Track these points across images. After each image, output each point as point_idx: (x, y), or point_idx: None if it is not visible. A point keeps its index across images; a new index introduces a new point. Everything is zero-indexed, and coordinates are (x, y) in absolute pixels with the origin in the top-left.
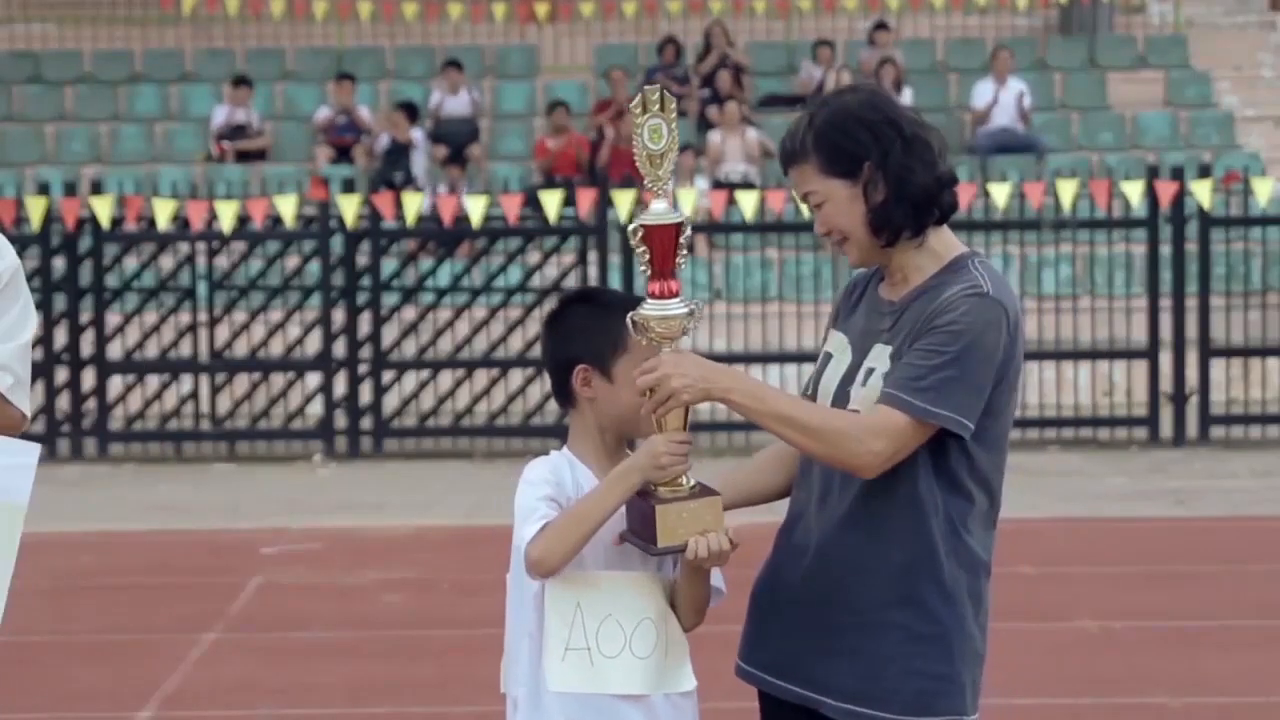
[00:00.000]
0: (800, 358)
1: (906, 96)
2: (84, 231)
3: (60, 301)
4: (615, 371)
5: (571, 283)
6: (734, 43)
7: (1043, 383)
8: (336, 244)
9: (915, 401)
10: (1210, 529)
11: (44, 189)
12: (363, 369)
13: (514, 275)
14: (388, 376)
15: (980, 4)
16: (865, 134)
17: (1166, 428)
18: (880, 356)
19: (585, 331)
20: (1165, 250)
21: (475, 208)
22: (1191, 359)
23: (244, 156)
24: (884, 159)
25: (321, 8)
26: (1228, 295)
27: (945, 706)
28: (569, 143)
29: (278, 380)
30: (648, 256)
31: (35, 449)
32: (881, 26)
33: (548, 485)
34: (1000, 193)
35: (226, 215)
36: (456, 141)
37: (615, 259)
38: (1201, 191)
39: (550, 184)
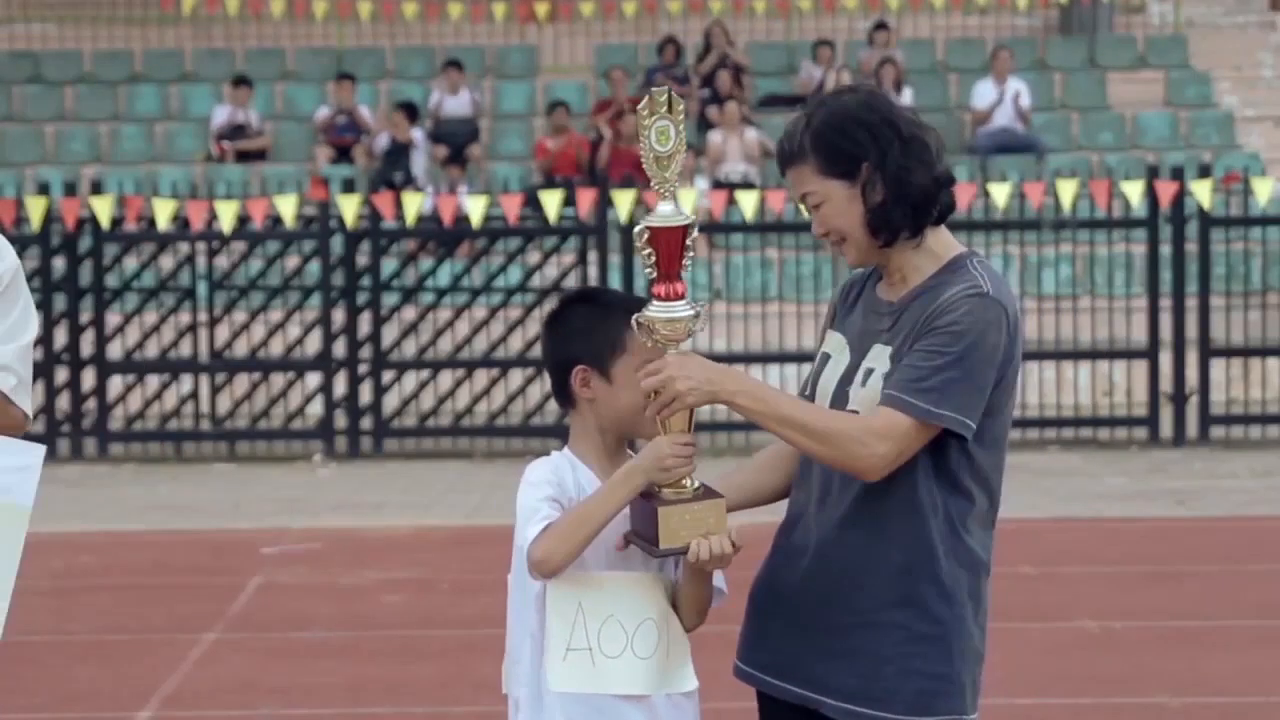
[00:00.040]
0: (800, 358)
1: (906, 96)
2: (84, 231)
3: (60, 301)
4: (614, 372)
5: (571, 283)
6: (734, 43)
7: (1043, 383)
8: (336, 244)
9: (918, 403)
10: (1210, 529)
11: (44, 189)
12: (363, 369)
13: (514, 275)
14: (388, 376)
15: (980, 4)
16: (863, 134)
17: (1166, 428)
18: (880, 357)
19: (585, 332)
20: (1165, 250)
21: (475, 208)
22: (1191, 359)
23: (244, 156)
24: (882, 160)
25: (321, 8)
26: (1228, 295)
27: (945, 706)
28: (569, 143)
29: (278, 380)
30: (653, 259)
31: (40, 450)
32: (881, 26)
33: (549, 486)
34: (1000, 193)
35: (226, 215)
36: (456, 141)
37: (615, 259)
38: (1201, 191)
39: (550, 184)
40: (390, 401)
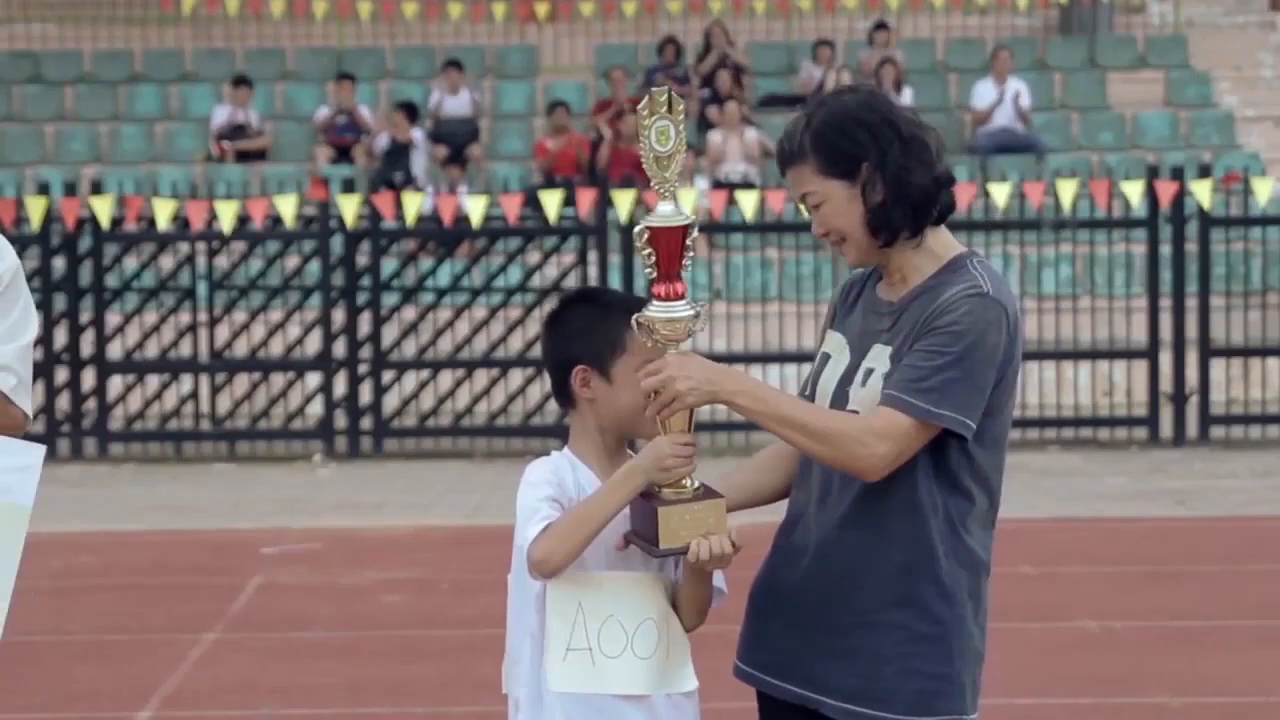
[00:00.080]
0: (800, 358)
1: (906, 96)
2: (84, 231)
3: (60, 301)
4: (614, 372)
5: (571, 283)
6: (734, 43)
7: (1043, 383)
8: (336, 244)
9: (918, 403)
10: (1210, 529)
11: (44, 189)
12: (363, 369)
13: (514, 275)
14: (388, 376)
15: (980, 4)
16: (863, 134)
17: (1166, 428)
18: (880, 357)
19: (584, 332)
20: (1165, 250)
21: (475, 208)
22: (1191, 359)
23: (244, 156)
24: (882, 160)
25: (321, 8)
26: (1228, 295)
27: (945, 706)
28: (569, 143)
29: (278, 380)
30: (653, 259)
31: (40, 450)
32: (881, 26)
33: (549, 486)
34: (1000, 193)
35: (226, 215)
36: (456, 141)
37: (615, 259)
38: (1201, 191)
39: (550, 184)
40: (390, 401)
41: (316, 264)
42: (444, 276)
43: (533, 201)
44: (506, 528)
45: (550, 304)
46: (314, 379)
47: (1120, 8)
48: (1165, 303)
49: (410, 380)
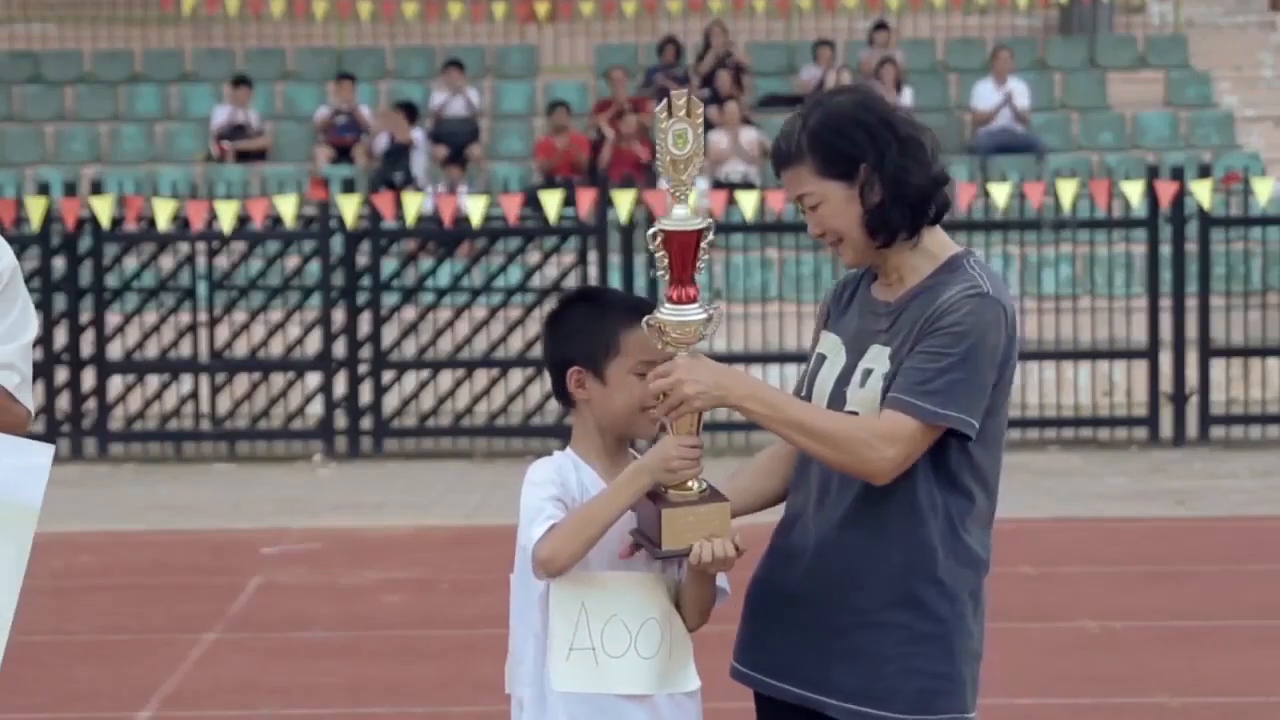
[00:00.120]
0: (800, 358)
1: (906, 96)
2: (84, 231)
3: (60, 301)
4: (608, 373)
5: (571, 283)
6: (734, 43)
7: (1043, 383)
8: (336, 244)
9: (924, 405)
10: (1210, 529)
11: (44, 189)
12: (363, 369)
13: (514, 275)
14: (388, 376)
15: (980, 4)
16: (861, 135)
17: (1166, 428)
18: (879, 357)
19: (579, 333)
20: (1165, 250)
21: (475, 208)
22: (1191, 359)
23: (244, 156)
24: (880, 160)
25: (321, 8)
26: (1228, 295)
27: (946, 705)
28: (568, 143)
29: (278, 380)
30: (666, 261)
31: (49, 450)
32: (881, 26)
33: (553, 485)
34: (1000, 193)
35: (226, 215)
36: (456, 141)
37: (615, 259)
38: (1201, 191)
39: (550, 184)
40: (390, 401)
41: (316, 264)
42: (444, 276)
43: (533, 201)
44: (507, 528)
45: (550, 304)
46: (314, 379)
47: (1120, 8)
48: (1165, 303)
49: (410, 380)
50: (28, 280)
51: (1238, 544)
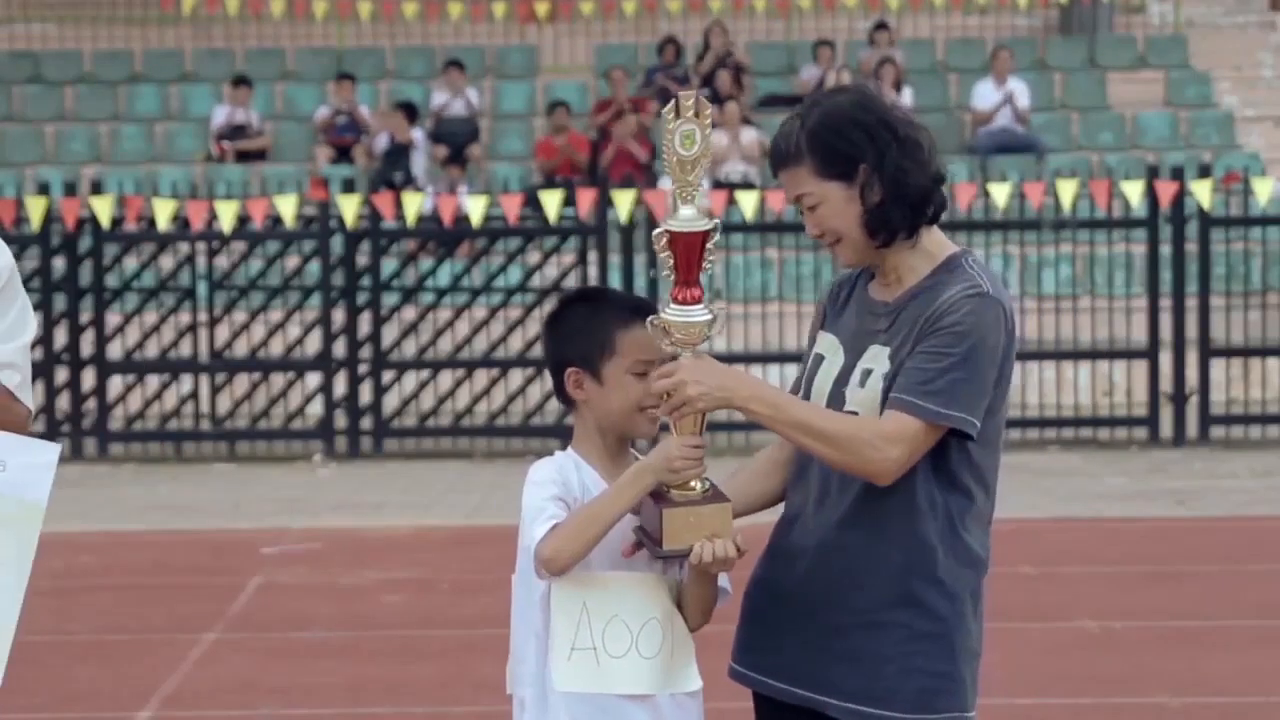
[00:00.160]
0: (800, 358)
1: (906, 96)
2: (84, 231)
3: (60, 301)
4: (605, 374)
5: (571, 283)
6: (734, 43)
7: (1043, 383)
8: (336, 244)
9: (927, 405)
10: (1210, 529)
11: (44, 189)
12: (363, 369)
13: (514, 275)
14: (388, 376)
15: (980, 4)
16: (860, 135)
17: (1166, 428)
18: (878, 357)
19: (577, 334)
20: (1165, 250)
21: (475, 208)
22: (1191, 359)
23: (244, 156)
24: (880, 161)
25: (321, 8)
26: (1228, 295)
27: (947, 704)
28: (567, 142)
29: (278, 380)
30: (671, 261)
31: (55, 449)
32: (881, 26)
33: (555, 485)
34: (1000, 193)
35: (226, 215)
36: (456, 141)
37: (615, 259)
38: (1201, 191)
39: (550, 184)
40: (390, 401)
41: (316, 264)
42: (444, 276)
43: (533, 201)
44: (507, 528)
45: (550, 304)
46: (314, 379)
47: (1120, 8)
48: (1165, 303)
49: (410, 380)
50: (28, 280)
51: (1238, 544)
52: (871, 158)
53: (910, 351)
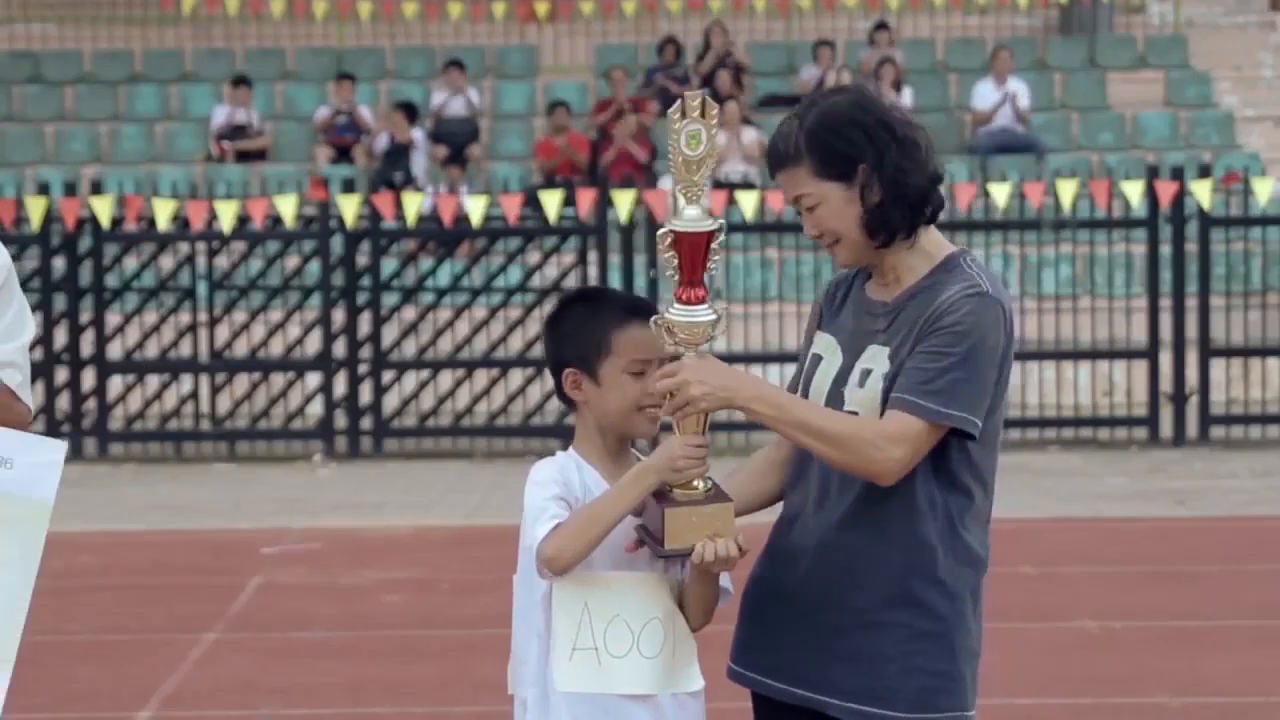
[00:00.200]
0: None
1: (906, 96)
2: (84, 231)
3: (60, 301)
4: (602, 374)
5: (571, 283)
6: (734, 42)
7: (1043, 383)
8: (336, 244)
9: (929, 405)
10: (1210, 529)
11: (44, 189)
12: (363, 369)
13: (514, 275)
14: (388, 376)
15: (980, 4)
16: (859, 136)
17: (1166, 428)
18: (877, 357)
19: (574, 335)
20: (1165, 250)
21: (475, 208)
22: (1191, 359)
23: (244, 156)
24: (879, 161)
25: (321, 8)
26: (1228, 295)
27: (948, 703)
28: (567, 143)
29: (278, 380)
30: (676, 261)
31: (62, 447)
32: (881, 26)
33: (556, 485)
34: (1000, 193)
35: (226, 215)
36: (456, 141)
37: (615, 259)
38: (1201, 191)
39: (550, 184)
40: (390, 401)
41: (316, 264)
42: (444, 276)
43: (533, 201)
44: (507, 528)
45: (550, 304)
46: (314, 379)
47: (1120, 8)
48: (1165, 303)
49: (410, 380)
50: (28, 280)
51: (1238, 544)
52: (870, 158)
53: (910, 351)
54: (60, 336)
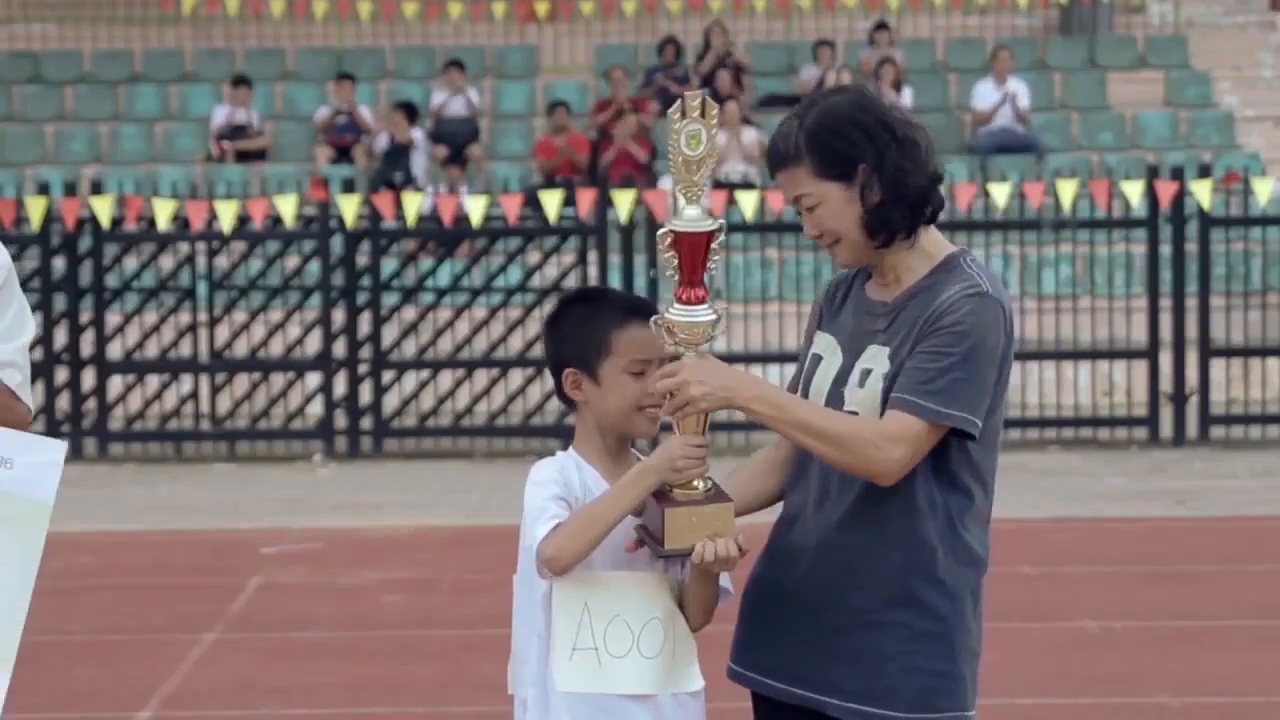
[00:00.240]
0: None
1: (906, 96)
2: (84, 231)
3: (60, 301)
4: (601, 375)
5: (571, 283)
6: (734, 43)
7: (1043, 383)
8: (336, 244)
9: (929, 405)
10: (1210, 529)
11: (44, 189)
12: (363, 369)
13: (514, 275)
14: (388, 376)
15: (980, 4)
16: (859, 136)
17: (1166, 428)
18: (877, 357)
19: (574, 335)
20: (1165, 250)
21: (475, 208)
22: (1191, 359)
23: (244, 156)
24: (880, 161)
25: (321, 8)
26: (1228, 295)
27: (948, 703)
28: (567, 142)
29: (278, 380)
30: (676, 261)
31: (62, 447)
32: (881, 26)
33: (556, 485)
34: (1000, 193)
35: (226, 215)
36: (456, 141)
37: (615, 259)
38: (1201, 191)
39: (550, 184)
40: (390, 401)
41: (316, 264)
42: (444, 276)
43: (533, 201)
44: (507, 528)
45: (550, 304)
46: (314, 379)
47: (1120, 8)
48: (1165, 303)
49: (410, 380)
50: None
51: (1238, 544)
52: (871, 158)
53: (910, 351)
54: (60, 336)
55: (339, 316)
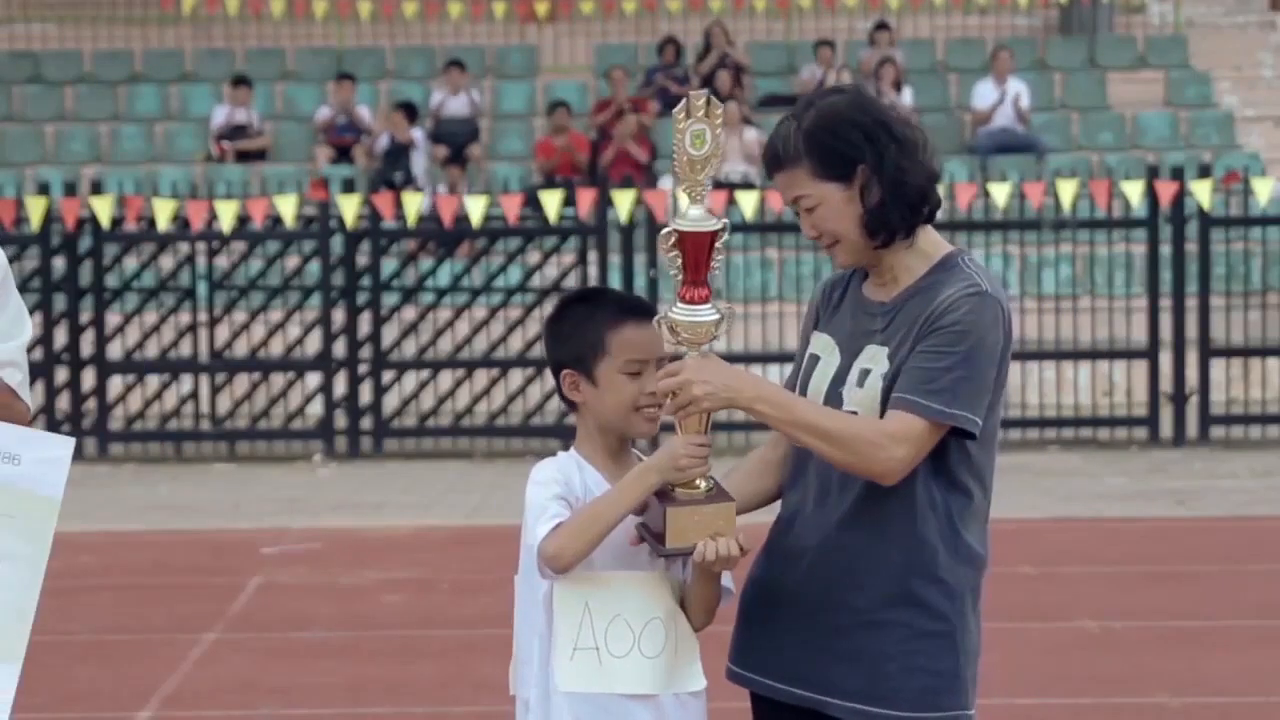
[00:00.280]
0: None
1: (906, 96)
2: (84, 231)
3: (60, 301)
4: (598, 374)
5: (571, 283)
6: (734, 42)
7: (1043, 383)
8: (336, 244)
9: (931, 404)
10: (1210, 529)
11: (44, 189)
12: (363, 369)
13: (514, 275)
14: (388, 376)
15: (980, 4)
16: (858, 136)
17: (1166, 428)
18: (876, 357)
19: (571, 336)
20: (1165, 250)
21: (475, 208)
22: (1191, 359)
23: (244, 156)
24: (879, 161)
25: (321, 8)
26: (1228, 295)
27: (949, 703)
28: (568, 142)
29: (278, 380)
30: (679, 261)
31: (69, 444)
32: (881, 26)
33: (557, 485)
34: (1000, 193)
35: (226, 215)
36: (456, 141)
37: (615, 259)
38: (1201, 191)
39: (550, 184)
40: (390, 401)
41: (316, 264)
42: (444, 276)
43: (533, 201)
44: (507, 528)
45: (550, 304)
46: (314, 379)
47: (1120, 8)
48: (1165, 303)
49: (410, 380)
50: (28, 280)
51: (1238, 544)
52: (870, 158)
53: (909, 351)
54: (60, 336)
55: (339, 316)
